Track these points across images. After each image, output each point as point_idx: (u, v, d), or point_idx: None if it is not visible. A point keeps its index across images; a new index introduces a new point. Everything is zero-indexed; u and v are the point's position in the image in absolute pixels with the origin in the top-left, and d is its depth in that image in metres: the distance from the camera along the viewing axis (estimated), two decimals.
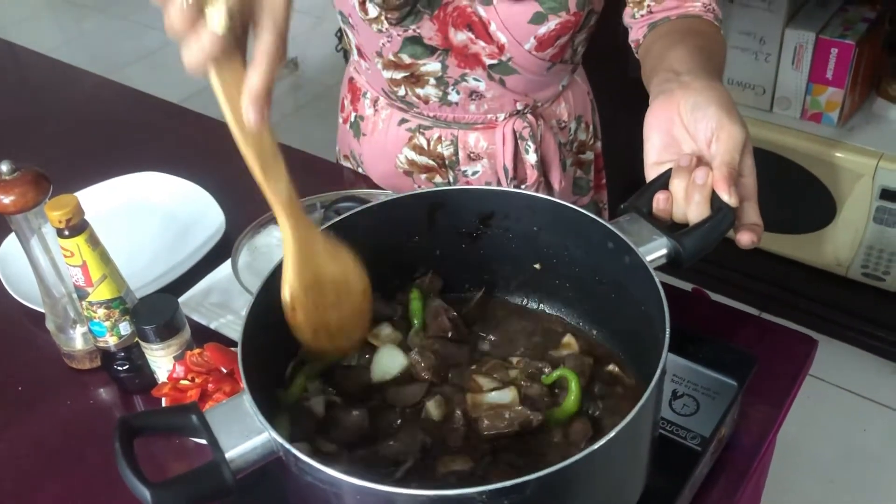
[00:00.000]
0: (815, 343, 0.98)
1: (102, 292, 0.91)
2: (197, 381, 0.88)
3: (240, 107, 0.57)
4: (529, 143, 1.13)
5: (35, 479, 0.90)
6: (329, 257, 0.69)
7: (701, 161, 0.77)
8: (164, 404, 0.89)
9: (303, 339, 0.70)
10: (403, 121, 1.17)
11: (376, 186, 1.25)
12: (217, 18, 0.52)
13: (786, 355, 0.96)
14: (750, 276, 2.11)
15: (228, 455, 0.57)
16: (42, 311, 1.00)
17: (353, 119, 1.25)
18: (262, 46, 0.56)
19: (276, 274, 0.71)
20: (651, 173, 0.81)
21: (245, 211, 1.16)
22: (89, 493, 0.88)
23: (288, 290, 0.67)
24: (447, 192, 0.80)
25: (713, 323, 1.01)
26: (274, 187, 0.62)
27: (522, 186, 1.17)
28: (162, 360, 0.92)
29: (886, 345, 2.02)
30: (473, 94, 1.10)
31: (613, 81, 1.53)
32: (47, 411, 0.98)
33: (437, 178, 1.20)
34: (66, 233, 0.86)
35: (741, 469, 0.85)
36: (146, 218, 1.22)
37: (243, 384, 0.59)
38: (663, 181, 0.78)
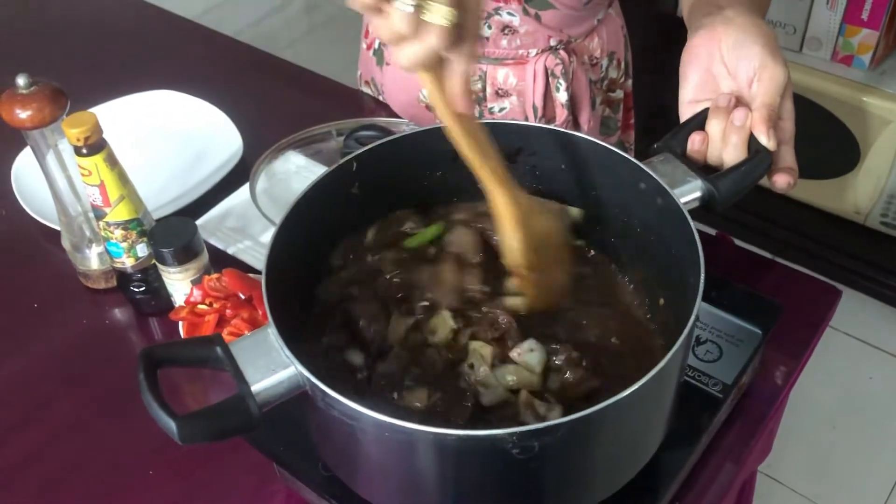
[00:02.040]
0: (839, 293, 0.97)
1: (120, 213, 0.89)
2: (215, 306, 0.88)
3: (451, 99, 0.61)
4: (561, 80, 1.09)
5: (49, 396, 0.91)
6: (541, 216, 0.73)
7: (739, 101, 0.74)
8: (181, 328, 0.89)
9: (528, 296, 0.74)
10: None
11: (396, 115, 1.22)
12: (443, 11, 0.55)
13: (809, 304, 0.95)
14: (766, 220, 2.09)
15: (254, 388, 0.56)
16: (58, 228, 0.99)
17: (376, 46, 1.21)
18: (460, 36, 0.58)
19: (300, 204, 0.70)
20: (686, 112, 0.78)
21: (263, 135, 1.13)
22: (103, 412, 0.88)
23: (519, 254, 0.71)
24: None
25: (737, 268, 1.00)
26: (488, 164, 0.66)
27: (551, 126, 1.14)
28: (179, 284, 0.91)
29: None
30: (506, 29, 1.06)
31: (642, 17, 1.48)
32: (63, 329, 0.98)
33: None
34: (85, 151, 0.84)
35: (758, 417, 0.84)
36: (162, 138, 1.20)
37: (269, 317, 0.58)
38: (699, 121, 0.76)
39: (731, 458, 0.81)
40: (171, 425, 0.53)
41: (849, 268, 2.04)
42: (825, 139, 1.92)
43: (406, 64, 0.57)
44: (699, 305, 0.60)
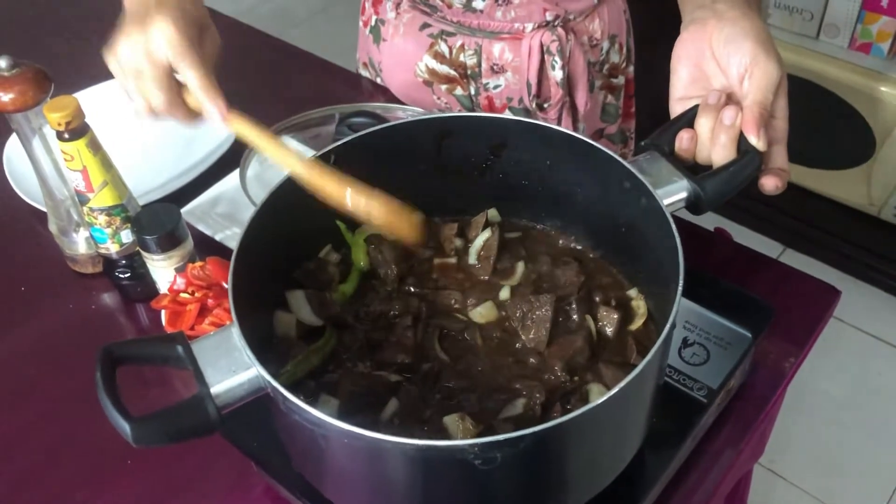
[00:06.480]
0: (838, 293, 0.94)
1: (104, 199, 0.88)
2: (197, 295, 0.87)
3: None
4: (556, 58, 1.07)
5: (35, 379, 0.91)
6: None
7: (731, 99, 0.72)
8: (163, 317, 0.88)
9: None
10: (426, 25, 1.11)
11: (395, 99, 1.20)
12: None
13: (806, 304, 0.92)
14: (777, 210, 2.05)
15: (214, 390, 0.55)
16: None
17: (373, 23, 1.19)
18: None
19: (273, 197, 0.69)
20: (676, 109, 0.76)
21: (258, 118, 1.11)
22: (87, 397, 0.87)
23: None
24: (457, 118, 0.75)
25: (733, 266, 0.98)
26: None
27: (546, 105, 1.11)
28: (163, 271, 0.90)
29: None
30: (500, 0, 1.04)
31: (646, 1, 1.44)
32: (49, 313, 0.97)
33: (458, 90, 1.15)
34: (66, 136, 0.83)
35: (748, 419, 0.83)
36: (153, 121, 1.18)
37: (233, 316, 0.56)
38: (688, 118, 0.73)
39: (718, 461, 0.80)
40: (126, 427, 0.52)
41: (861, 260, 2.00)
42: (840, 129, 1.88)
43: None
44: (676, 314, 0.58)
